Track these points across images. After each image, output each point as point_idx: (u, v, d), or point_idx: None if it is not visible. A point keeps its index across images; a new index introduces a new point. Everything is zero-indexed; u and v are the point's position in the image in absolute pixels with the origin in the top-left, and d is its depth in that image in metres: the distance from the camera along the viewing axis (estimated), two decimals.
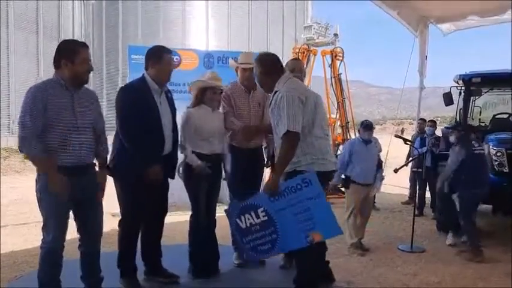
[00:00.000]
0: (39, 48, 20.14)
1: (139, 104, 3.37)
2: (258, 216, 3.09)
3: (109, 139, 3.39)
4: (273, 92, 3.23)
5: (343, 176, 5.14)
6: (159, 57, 3.48)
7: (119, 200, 3.55)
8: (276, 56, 3.44)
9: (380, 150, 7.98)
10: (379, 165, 5.29)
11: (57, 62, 2.97)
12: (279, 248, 3.12)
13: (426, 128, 7.77)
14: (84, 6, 24.73)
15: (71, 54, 2.93)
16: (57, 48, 3.01)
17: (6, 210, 7.51)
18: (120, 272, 3.57)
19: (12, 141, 16.89)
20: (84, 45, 3.05)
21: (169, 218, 5.60)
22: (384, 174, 8.51)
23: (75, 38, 23.00)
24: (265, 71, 3.32)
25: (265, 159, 4.31)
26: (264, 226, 3.08)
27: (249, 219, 3.13)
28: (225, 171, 3.99)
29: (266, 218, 3.06)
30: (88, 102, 3.11)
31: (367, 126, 5.25)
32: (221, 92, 3.96)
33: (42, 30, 20.28)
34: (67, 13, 22.29)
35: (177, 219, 5.66)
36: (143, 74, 3.53)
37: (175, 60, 7.15)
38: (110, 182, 3.40)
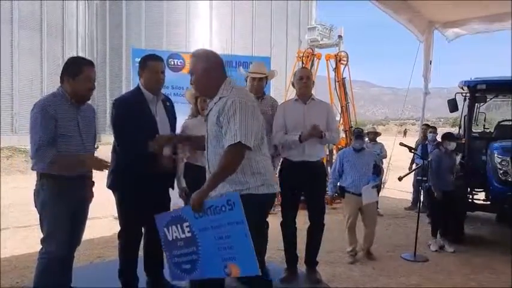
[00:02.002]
0: (43, 47, 20.17)
1: (135, 116, 3.29)
2: (183, 231, 2.68)
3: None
4: (218, 99, 2.65)
5: (335, 186, 5.18)
6: (144, 65, 3.41)
7: (118, 212, 3.53)
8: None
9: (385, 157, 7.99)
10: (378, 172, 5.16)
11: (61, 76, 3.04)
12: (199, 271, 2.64)
13: (428, 135, 7.74)
14: (88, 6, 24.75)
15: (73, 71, 2.99)
16: (64, 63, 3.10)
17: (7, 212, 7.49)
18: (121, 283, 3.54)
19: (15, 140, 16.93)
20: (88, 64, 3.08)
21: None
22: (385, 179, 8.52)
23: (79, 38, 23.18)
24: (210, 69, 2.67)
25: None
26: (187, 243, 2.67)
27: (175, 232, 2.72)
28: None
29: (190, 235, 2.64)
30: (89, 115, 3.21)
31: (358, 135, 5.18)
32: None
33: (46, 29, 20.31)
34: (71, 13, 22.31)
35: None
36: (138, 84, 3.49)
37: (178, 63, 7.15)
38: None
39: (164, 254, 2.82)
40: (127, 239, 3.52)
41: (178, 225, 2.68)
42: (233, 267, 2.47)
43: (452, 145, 5.74)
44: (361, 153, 5.10)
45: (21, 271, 4.42)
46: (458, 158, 5.74)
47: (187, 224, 2.64)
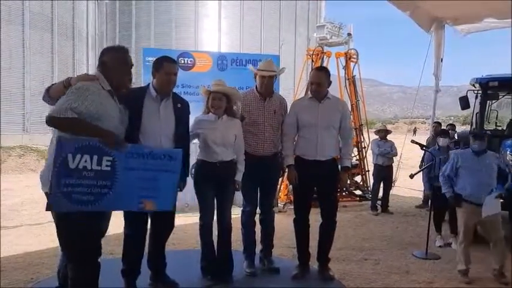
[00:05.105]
0: (54, 46, 20.30)
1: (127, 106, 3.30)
2: (99, 164, 2.72)
3: None
4: None
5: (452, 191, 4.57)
6: (159, 67, 3.49)
7: None
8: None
9: (395, 155, 7.96)
10: (505, 179, 4.51)
11: None
12: (103, 205, 2.76)
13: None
14: (98, 7, 24.89)
15: None
16: None
17: (20, 210, 7.60)
18: (121, 272, 3.59)
19: (27, 139, 17.09)
20: None
21: (182, 220, 5.68)
22: (395, 177, 8.43)
23: (89, 38, 23.31)
24: None
25: None
26: (100, 176, 2.73)
27: (86, 161, 2.68)
28: (235, 182, 3.92)
29: (109, 169, 2.75)
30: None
31: (477, 135, 4.55)
32: (220, 98, 3.84)
33: (57, 29, 20.44)
34: (81, 13, 22.44)
35: (189, 220, 5.70)
36: (150, 82, 3.59)
37: (189, 62, 7.19)
38: None
39: (51, 181, 2.63)
40: (130, 234, 3.56)
41: (95, 157, 2.71)
42: (148, 203, 2.94)
43: (443, 141, 5.75)
44: (482, 156, 4.45)
45: (35, 268, 4.47)
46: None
47: (110, 158, 2.75)
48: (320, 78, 4.06)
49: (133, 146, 2.91)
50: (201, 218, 3.93)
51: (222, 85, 3.92)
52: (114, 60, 2.86)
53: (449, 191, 4.56)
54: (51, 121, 2.64)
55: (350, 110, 8.95)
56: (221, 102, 3.84)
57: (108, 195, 2.75)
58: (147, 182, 2.90)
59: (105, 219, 2.94)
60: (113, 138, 2.74)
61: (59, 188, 2.64)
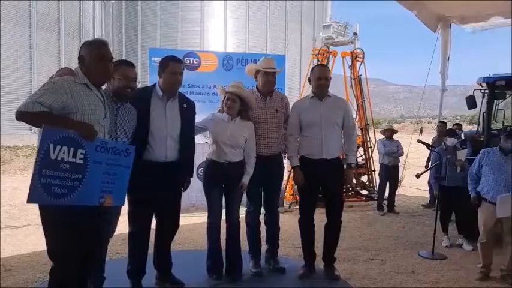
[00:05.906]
0: (61, 47, 20.43)
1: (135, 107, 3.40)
2: (74, 156, 2.68)
3: None
4: None
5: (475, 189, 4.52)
6: (165, 66, 3.54)
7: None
8: None
9: (402, 154, 7.95)
10: None
11: None
12: (73, 199, 2.70)
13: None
14: (105, 7, 24.99)
15: None
16: None
17: (27, 209, 7.63)
18: (126, 272, 3.62)
19: (34, 139, 17.20)
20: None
21: (188, 219, 5.70)
22: (401, 177, 8.38)
23: (95, 37, 23.46)
24: None
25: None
26: (74, 169, 2.69)
27: (64, 152, 2.65)
28: (241, 184, 3.94)
29: (81, 162, 2.72)
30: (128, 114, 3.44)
31: (510, 136, 4.36)
32: (234, 100, 3.89)
33: (63, 29, 20.57)
34: (88, 13, 22.57)
35: (195, 220, 5.71)
36: (156, 82, 3.65)
37: (194, 62, 7.21)
38: None
39: (34, 171, 2.54)
40: (134, 234, 3.59)
41: (72, 149, 2.67)
42: (108, 198, 2.89)
43: (451, 141, 5.71)
44: (510, 156, 4.35)
45: (43, 267, 4.49)
46: (464, 153, 5.68)
47: (83, 151, 2.72)
48: (326, 73, 4.13)
49: (101, 140, 2.85)
50: (208, 218, 3.96)
51: (238, 87, 3.96)
52: (90, 55, 2.80)
53: (472, 190, 4.52)
54: (19, 116, 2.58)
55: (356, 109, 8.97)
56: (234, 103, 3.88)
57: (79, 188, 2.71)
58: (108, 176, 2.88)
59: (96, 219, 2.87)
60: (89, 130, 2.69)
61: (39, 179, 2.56)
